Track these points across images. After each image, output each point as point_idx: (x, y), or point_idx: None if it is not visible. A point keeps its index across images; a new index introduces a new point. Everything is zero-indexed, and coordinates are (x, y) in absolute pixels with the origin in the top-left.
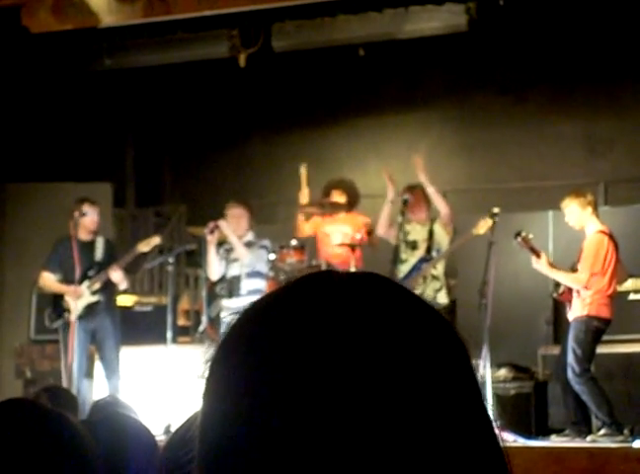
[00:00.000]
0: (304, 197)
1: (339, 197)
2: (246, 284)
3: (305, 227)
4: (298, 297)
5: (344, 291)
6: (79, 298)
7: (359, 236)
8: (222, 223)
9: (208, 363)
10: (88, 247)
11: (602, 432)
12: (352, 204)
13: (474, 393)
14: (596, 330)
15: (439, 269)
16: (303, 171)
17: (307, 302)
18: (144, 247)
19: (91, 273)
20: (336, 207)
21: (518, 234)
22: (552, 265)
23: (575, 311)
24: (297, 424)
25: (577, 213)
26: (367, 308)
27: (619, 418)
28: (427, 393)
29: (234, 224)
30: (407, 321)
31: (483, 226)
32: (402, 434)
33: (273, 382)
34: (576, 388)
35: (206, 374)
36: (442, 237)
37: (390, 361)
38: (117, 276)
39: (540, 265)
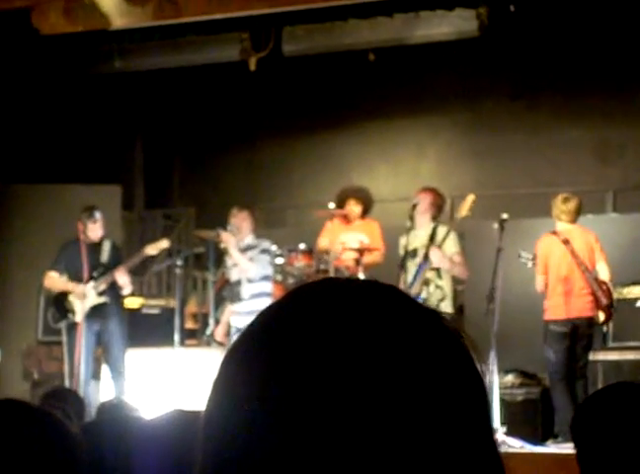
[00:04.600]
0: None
1: (355, 207)
2: (248, 289)
3: (322, 241)
4: (303, 305)
5: (349, 299)
6: (84, 298)
7: (367, 241)
8: (225, 236)
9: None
10: (95, 249)
11: (558, 439)
12: (366, 212)
13: (480, 402)
14: (551, 333)
15: (444, 278)
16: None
17: (312, 310)
18: (152, 250)
19: (96, 273)
20: (352, 217)
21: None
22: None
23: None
24: (304, 430)
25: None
26: (371, 316)
27: None
28: (433, 402)
29: (237, 228)
30: (411, 328)
31: (464, 207)
32: (407, 442)
33: (279, 388)
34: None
35: (214, 377)
36: (450, 242)
37: (395, 368)
38: (122, 278)
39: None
